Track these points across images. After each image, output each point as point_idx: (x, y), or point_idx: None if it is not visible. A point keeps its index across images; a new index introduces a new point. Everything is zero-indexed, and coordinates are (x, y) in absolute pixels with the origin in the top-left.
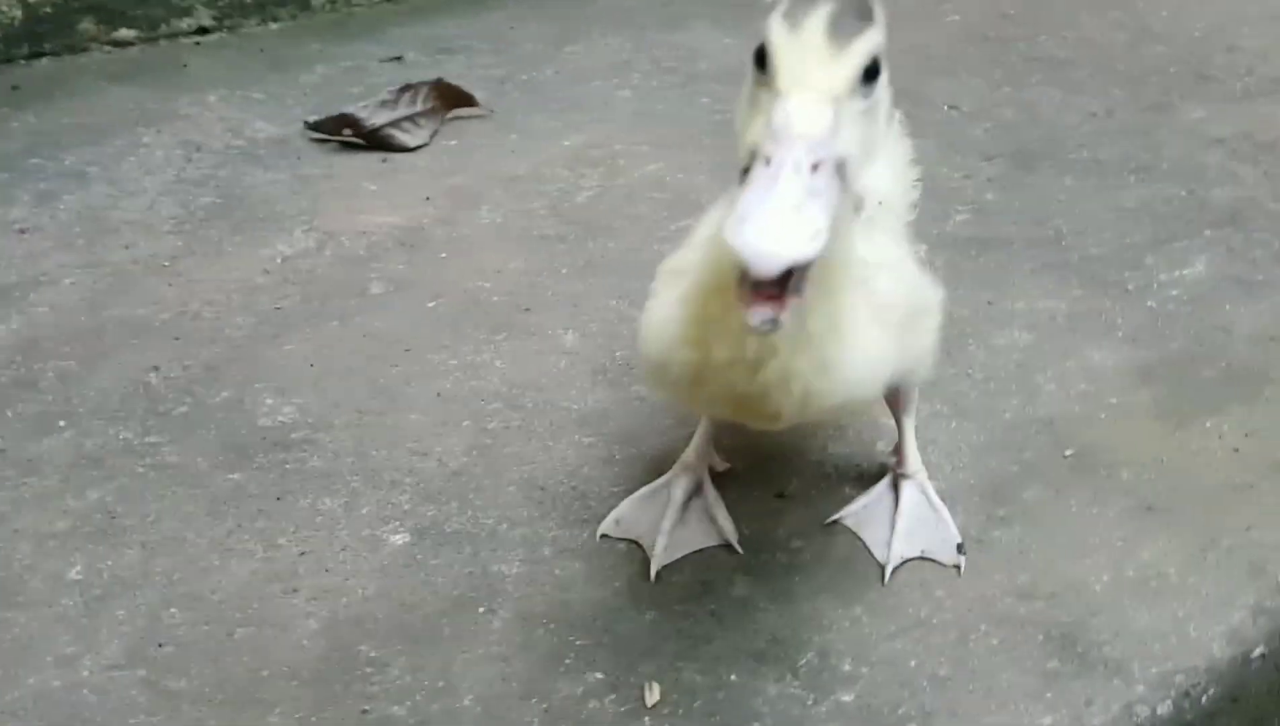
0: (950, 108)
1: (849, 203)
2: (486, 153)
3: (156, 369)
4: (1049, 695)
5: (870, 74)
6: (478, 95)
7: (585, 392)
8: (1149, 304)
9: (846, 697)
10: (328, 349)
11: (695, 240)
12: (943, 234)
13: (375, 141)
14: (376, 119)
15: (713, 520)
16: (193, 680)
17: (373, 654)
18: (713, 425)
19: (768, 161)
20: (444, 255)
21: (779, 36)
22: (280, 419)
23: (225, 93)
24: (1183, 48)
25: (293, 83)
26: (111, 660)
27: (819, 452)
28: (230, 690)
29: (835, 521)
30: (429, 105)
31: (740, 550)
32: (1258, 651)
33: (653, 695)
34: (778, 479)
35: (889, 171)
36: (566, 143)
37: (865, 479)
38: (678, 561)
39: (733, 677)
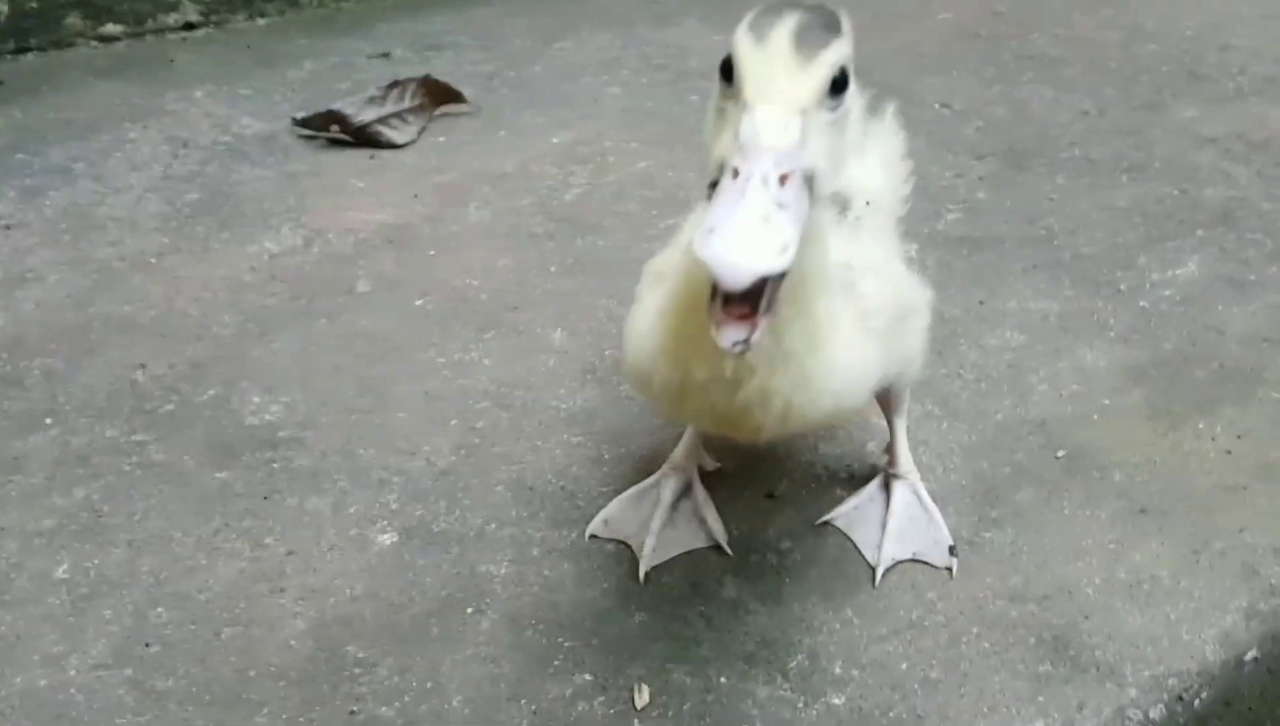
0: (942, 106)
1: (819, 215)
2: (475, 150)
3: (143, 367)
4: (1041, 698)
5: (838, 85)
6: (466, 92)
7: (574, 391)
8: (1141, 304)
9: (837, 700)
10: (315, 347)
11: (679, 241)
12: (934, 233)
13: (363, 138)
14: (364, 115)
15: (702, 521)
16: (180, 680)
17: (360, 654)
18: None
19: (735, 174)
20: (432, 253)
21: (745, 48)
22: (267, 417)
23: (212, 88)
24: (1175, 46)
25: (280, 79)
26: (98, 659)
27: (809, 453)
28: (217, 690)
29: (826, 522)
30: (417, 102)
31: (730, 551)
32: (1250, 654)
33: (642, 697)
34: (768, 479)
35: (881, 167)
36: (555, 140)
37: (856, 479)
38: (667, 562)
39: (722, 680)
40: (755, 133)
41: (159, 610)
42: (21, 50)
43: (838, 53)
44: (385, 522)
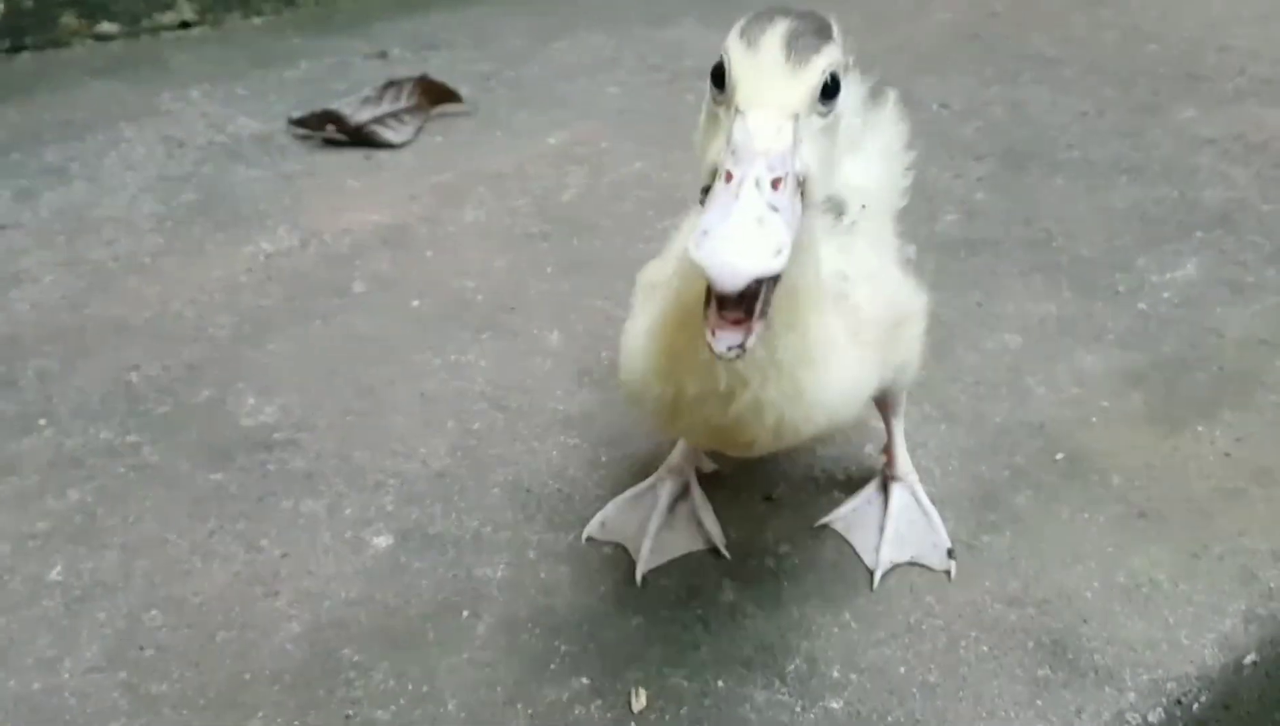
0: (940, 106)
1: (811, 223)
2: (471, 150)
3: (137, 368)
4: (1039, 702)
5: (829, 91)
6: (462, 91)
7: (570, 393)
8: (1140, 306)
9: (835, 705)
10: (311, 348)
11: (672, 249)
12: (932, 234)
13: (359, 138)
14: (360, 115)
15: (699, 524)
16: (174, 684)
17: (356, 658)
18: None
19: (728, 178)
20: (428, 254)
21: (737, 54)
22: (262, 419)
23: (208, 88)
24: (1174, 47)
25: (276, 78)
26: (92, 663)
27: (807, 455)
28: (212, 694)
29: (824, 525)
30: (413, 102)
31: (727, 554)
32: (1249, 658)
33: (639, 701)
34: (765, 482)
35: (879, 160)
36: (551, 140)
37: (854, 482)
38: (664, 565)
39: (720, 684)
40: (748, 137)
41: (153, 613)
42: (16, 49)
43: (829, 58)
44: (381, 525)
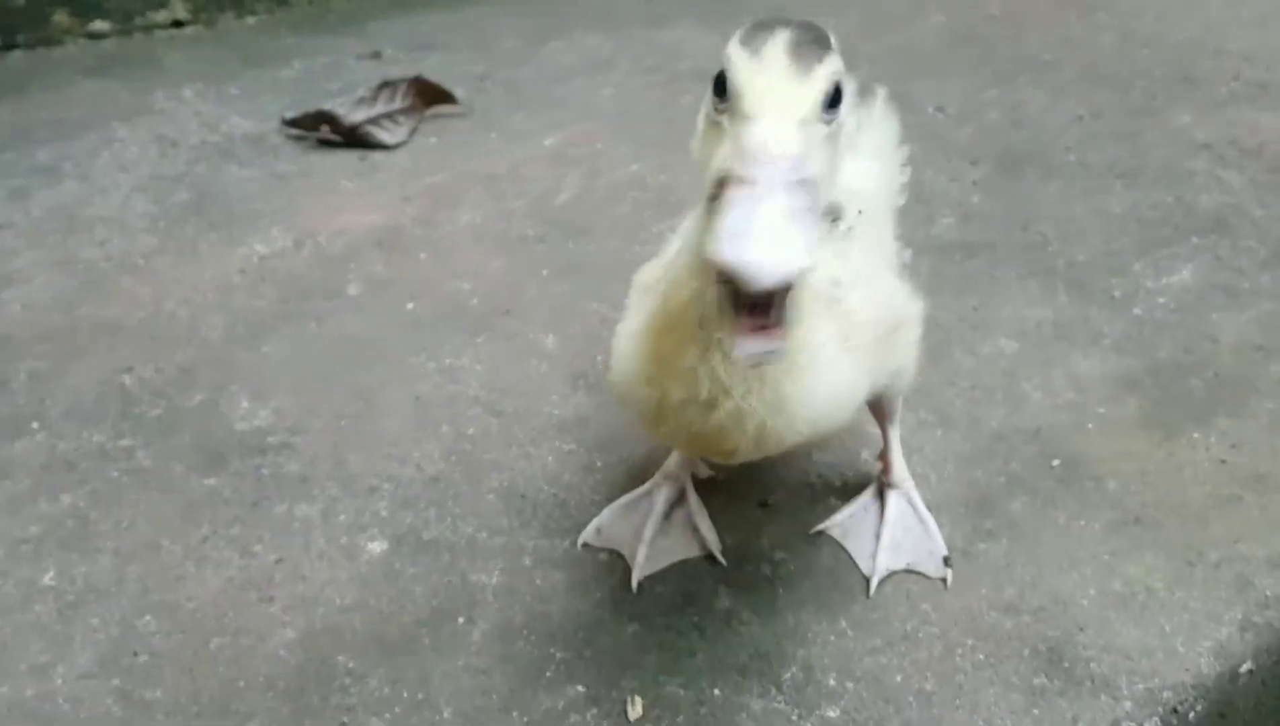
0: (936, 109)
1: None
2: (466, 151)
3: (130, 370)
4: (1035, 711)
5: (833, 100)
6: (457, 92)
7: (566, 398)
8: (1135, 312)
9: (831, 713)
10: (305, 351)
11: (666, 253)
12: (928, 238)
13: (353, 139)
14: (355, 116)
15: (695, 530)
16: (167, 690)
17: (350, 664)
18: None
19: (743, 182)
20: (423, 256)
21: (741, 62)
22: (256, 423)
23: (201, 87)
24: (1169, 51)
25: (269, 78)
26: (85, 669)
27: (803, 461)
28: (206, 700)
29: (820, 532)
30: (408, 102)
31: (723, 561)
32: (1245, 666)
33: (635, 709)
34: (761, 488)
35: (874, 159)
36: (547, 142)
37: (850, 488)
38: (660, 572)
39: (716, 692)
40: (764, 142)
41: (147, 619)
42: (8, 48)
43: (832, 67)
44: (375, 530)
